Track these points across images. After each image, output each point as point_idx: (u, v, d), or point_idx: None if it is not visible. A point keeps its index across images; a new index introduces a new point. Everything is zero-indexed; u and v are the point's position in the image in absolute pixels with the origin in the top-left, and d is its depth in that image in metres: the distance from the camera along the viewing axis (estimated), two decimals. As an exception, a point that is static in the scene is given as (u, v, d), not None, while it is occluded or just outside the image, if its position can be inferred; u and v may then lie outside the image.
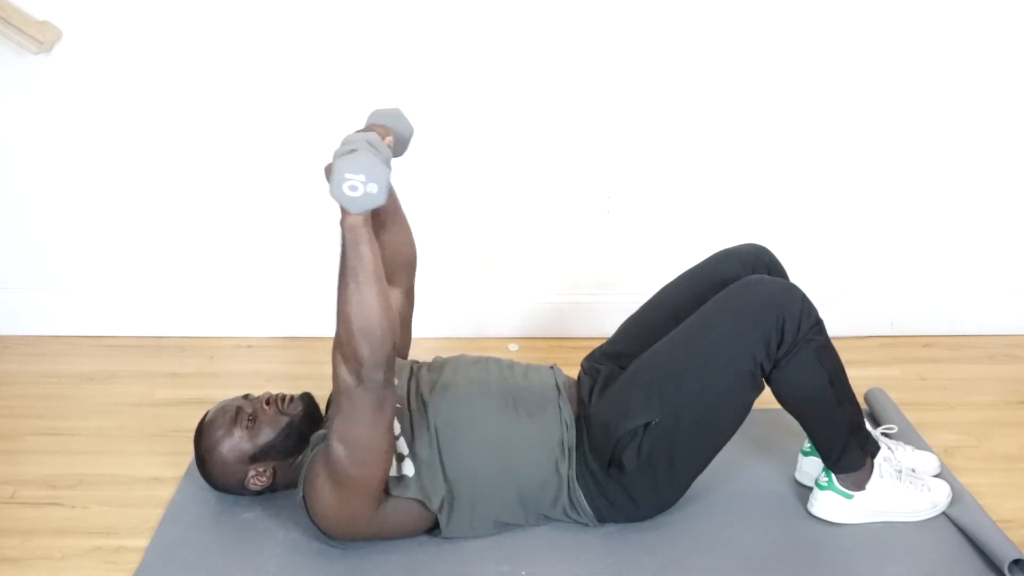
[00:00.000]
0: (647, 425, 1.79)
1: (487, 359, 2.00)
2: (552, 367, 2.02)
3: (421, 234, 2.65)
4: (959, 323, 2.77)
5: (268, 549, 1.86)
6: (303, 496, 1.79)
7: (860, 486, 1.90)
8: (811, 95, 2.55)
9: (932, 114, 2.57)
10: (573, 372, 2.05)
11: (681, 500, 1.92)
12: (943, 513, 1.95)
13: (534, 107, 2.55)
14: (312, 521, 1.80)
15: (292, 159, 2.56)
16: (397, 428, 1.83)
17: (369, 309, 1.59)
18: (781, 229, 2.62)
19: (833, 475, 1.91)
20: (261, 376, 2.49)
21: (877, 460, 1.91)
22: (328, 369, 1.68)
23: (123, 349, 2.69)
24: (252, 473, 1.88)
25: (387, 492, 1.78)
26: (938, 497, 1.95)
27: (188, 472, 2.07)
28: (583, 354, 2.06)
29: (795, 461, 2.07)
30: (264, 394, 1.94)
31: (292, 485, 1.87)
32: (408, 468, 1.80)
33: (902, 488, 1.92)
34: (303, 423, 1.90)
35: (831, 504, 1.92)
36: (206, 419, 1.92)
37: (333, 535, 1.81)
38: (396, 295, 2.04)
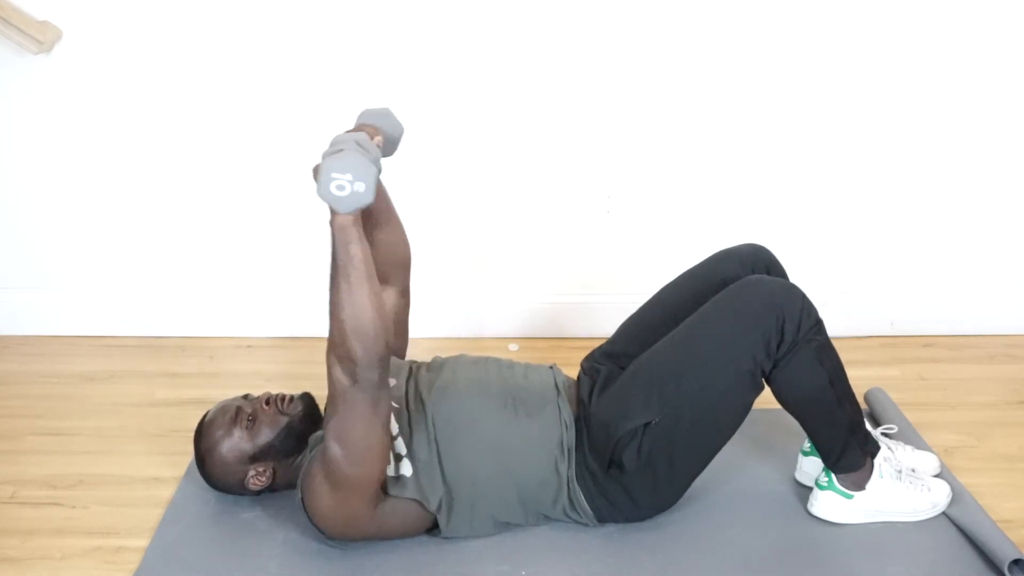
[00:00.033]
0: (647, 425, 1.79)
1: (486, 359, 2.00)
2: (552, 367, 2.02)
3: (421, 234, 2.65)
4: (959, 323, 2.77)
5: (268, 549, 1.86)
6: (301, 497, 1.79)
7: (860, 486, 1.90)
8: (811, 95, 2.55)
9: (932, 114, 2.57)
10: (573, 372, 2.05)
11: (681, 500, 1.92)
12: (943, 513, 1.95)
13: (534, 107, 2.55)
14: (311, 522, 1.80)
15: (292, 159, 2.55)
16: (395, 428, 1.83)
17: (361, 309, 1.59)
18: (781, 229, 2.62)
19: (833, 475, 1.91)
20: (261, 376, 2.49)
21: (877, 460, 1.91)
22: (327, 369, 1.68)
23: (123, 349, 2.69)
24: (252, 473, 1.88)
25: (385, 492, 1.78)
26: (938, 497, 1.95)
27: (188, 472, 2.07)
28: (583, 354, 2.06)
29: (795, 461, 2.07)
30: (264, 394, 1.94)
31: (292, 485, 1.87)
32: (406, 468, 1.80)
33: (902, 488, 1.92)
34: (303, 423, 1.90)
35: (831, 504, 1.92)
36: (206, 419, 1.92)
37: (332, 535, 1.82)
38: (392, 295, 2.05)
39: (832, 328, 1.86)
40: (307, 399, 1.93)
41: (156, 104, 2.53)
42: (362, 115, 1.84)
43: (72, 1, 2.42)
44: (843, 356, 1.86)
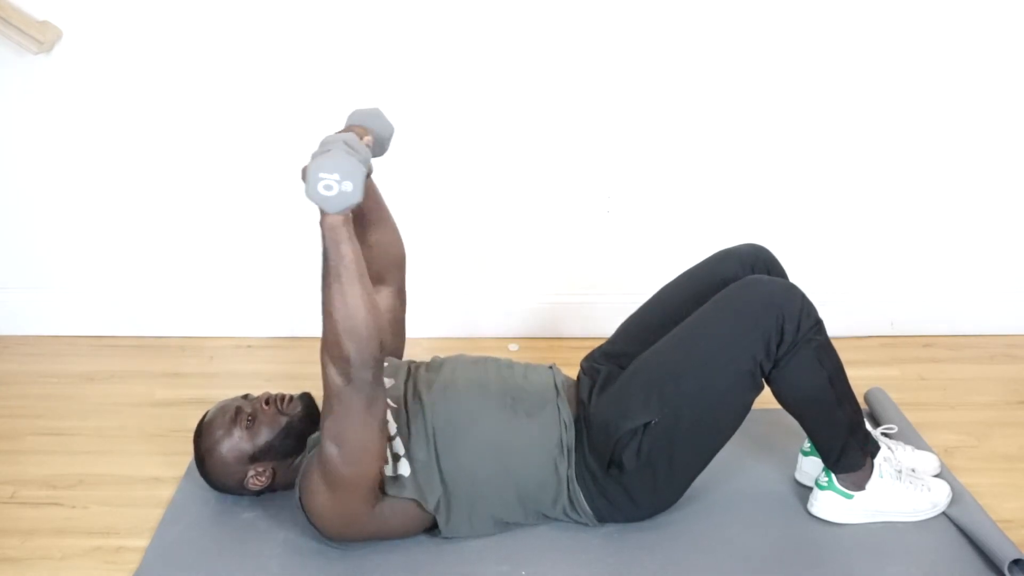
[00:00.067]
0: (647, 425, 1.79)
1: (486, 359, 2.00)
2: (551, 367, 2.02)
3: (422, 234, 2.66)
4: (959, 323, 2.77)
5: (268, 549, 1.86)
6: (299, 497, 1.79)
7: (860, 486, 1.90)
8: (811, 96, 2.54)
9: (932, 114, 2.57)
10: (573, 372, 2.05)
11: (681, 500, 1.92)
12: (943, 513, 1.95)
13: (534, 107, 2.55)
14: (309, 522, 1.80)
15: (291, 159, 2.54)
16: (393, 428, 1.83)
17: (354, 309, 1.59)
18: (781, 229, 2.62)
19: (833, 475, 1.91)
20: (261, 376, 2.49)
21: (877, 460, 1.91)
22: (326, 369, 1.67)
23: (123, 349, 2.69)
24: (251, 473, 1.88)
25: (383, 492, 1.78)
26: (938, 497, 1.95)
27: (188, 472, 2.07)
28: (583, 354, 2.06)
29: (795, 461, 2.07)
30: (263, 394, 1.94)
31: (291, 485, 1.87)
32: (404, 468, 1.80)
33: (902, 488, 1.92)
34: (302, 423, 1.89)
35: (831, 504, 1.92)
36: (206, 419, 1.92)
37: (330, 535, 1.82)
38: (388, 294, 2.05)
39: (832, 328, 1.86)
40: (307, 399, 1.93)
41: (156, 104, 2.53)
42: (352, 116, 1.85)
43: (72, 1, 2.42)
44: (843, 356, 1.86)
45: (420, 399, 1.87)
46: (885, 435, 2.10)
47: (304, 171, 1.58)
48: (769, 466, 2.11)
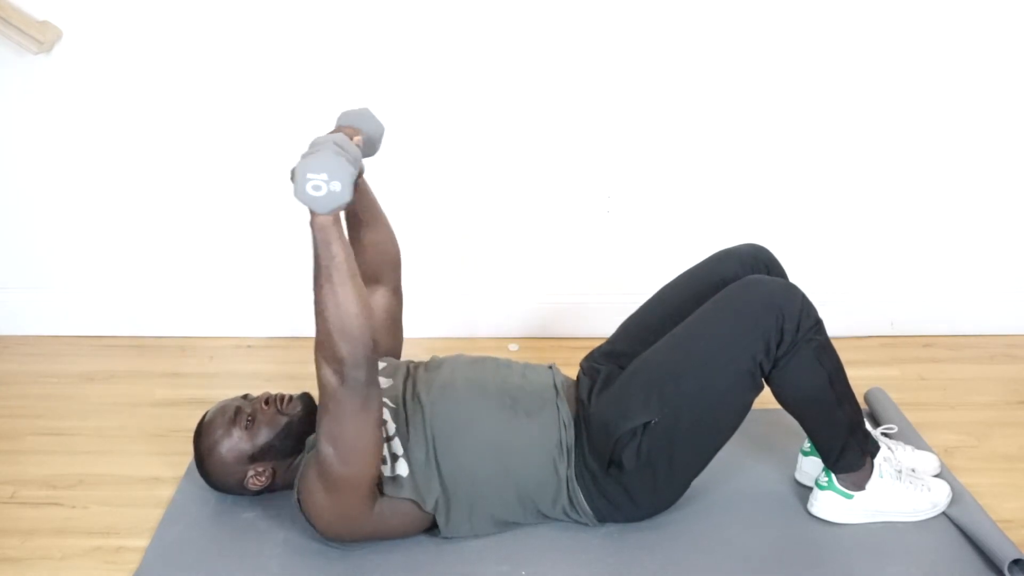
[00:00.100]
0: (646, 425, 1.79)
1: (485, 359, 2.00)
2: (551, 367, 2.02)
3: (422, 234, 2.66)
4: (959, 323, 2.77)
5: (268, 549, 1.86)
6: (298, 498, 1.79)
7: (860, 486, 1.90)
8: (811, 96, 2.55)
9: (932, 114, 2.57)
10: (572, 372, 2.05)
11: (681, 500, 1.92)
12: (943, 513, 1.95)
13: (534, 107, 2.55)
14: (309, 523, 1.80)
15: (291, 160, 2.55)
16: (392, 428, 1.83)
17: (345, 308, 1.59)
18: (781, 229, 2.62)
19: (833, 475, 1.90)
20: (261, 376, 2.49)
21: (877, 460, 1.91)
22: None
23: (123, 349, 2.69)
24: (251, 473, 1.88)
25: (381, 492, 1.78)
26: (938, 497, 1.95)
27: (188, 472, 2.07)
28: (583, 354, 2.06)
29: (795, 461, 2.07)
30: (263, 394, 1.93)
31: (291, 485, 1.87)
32: (402, 468, 1.80)
33: (902, 488, 1.92)
34: (302, 423, 1.89)
35: (831, 504, 1.92)
36: (205, 419, 1.92)
37: (329, 536, 1.82)
38: (384, 294, 2.05)
39: (832, 328, 1.86)
40: (306, 399, 1.93)
41: (156, 104, 2.53)
42: (341, 117, 1.85)
43: (72, 1, 2.42)
44: (843, 356, 1.86)
45: (419, 399, 1.87)
46: (885, 435, 2.10)
47: (293, 172, 1.58)
48: (769, 466, 2.11)
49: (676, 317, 1.90)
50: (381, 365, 2.00)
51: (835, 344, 1.84)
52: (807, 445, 2.03)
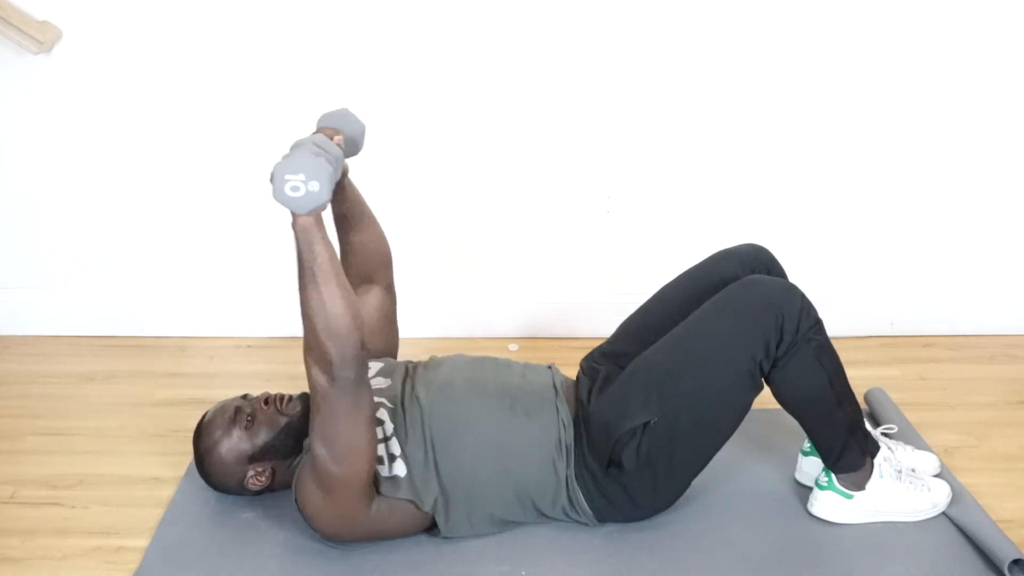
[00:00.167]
0: (646, 425, 1.79)
1: (484, 358, 2.00)
2: (550, 367, 2.02)
3: (422, 234, 2.66)
4: (959, 323, 2.77)
5: (268, 549, 1.86)
6: (296, 499, 1.80)
7: (860, 486, 1.90)
8: (811, 96, 2.55)
9: (932, 114, 2.57)
10: (572, 372, 2.05)
11: (680, 500, 1.92)
12: (943, 513, 1.95)
13: (534, 107, 2.55)
14: (308, 523, 1.81)
15: (292, 159, 2.55)
16: (390, 428, 1.83)
17: (331, 308, 1.60)
18: (781, 229, 2.62)
19: (833, 475, 1.90)
20: (261, 376, 2.49)
21: (877, 460, 1.91)
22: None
23: (123, 349, 2.69)
24: (251, 473, 1.88)
25: (380, 492, 1.78)
26: (938, 497, 1.95)
27: (188, 472, 2.07)
28: (582, 354, 2.06)
29: (795, 461, 2.07)
30: (263, 394, 1.93)
31: (290, 486, 1.87)
32: (400, 468, 1.80)
33: (902, 488, 1.92)
34: (302, 423, 1.89)
35: (831, 504, 1.92)
36: (205, 419, 1.92)
37: (328, 536, 1.82)
38: (377, 293, 2.06)
39: (832, 328, 1.86)
40: (306, 399, 1.92)
41: (156, 104, 2.53)
42: (321, 118, 1.86)
43: (72, 1, 2.42)
44: (843, 356, 1.86)
45: (417, 399, 1.87)
46: (885, 435, 2.10)
47: (272, 175, 1.59)
48: (769, 466, 2.11)
49: (676, 317, 1.90)
50: (379, 365, 2.00)
51: (835, 344, 1.84)
52: (807, 445, 2.03)
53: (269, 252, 2.68)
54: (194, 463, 1.94)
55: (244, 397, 1.94)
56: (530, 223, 2.68)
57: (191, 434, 1.94)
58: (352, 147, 1.85)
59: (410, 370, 1.97)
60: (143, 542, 1.90)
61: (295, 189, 1.55)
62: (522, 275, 2.74)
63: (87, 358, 2.64)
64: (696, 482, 1.90)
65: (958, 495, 1.98)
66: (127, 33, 2.46)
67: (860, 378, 2.13)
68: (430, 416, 1.84)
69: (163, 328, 2.74)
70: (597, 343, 2.07)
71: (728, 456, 1.94)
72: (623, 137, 2.58)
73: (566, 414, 1.88)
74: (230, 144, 2.57)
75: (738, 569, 1.83)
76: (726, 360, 1.78)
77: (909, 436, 2.18)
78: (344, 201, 1.96)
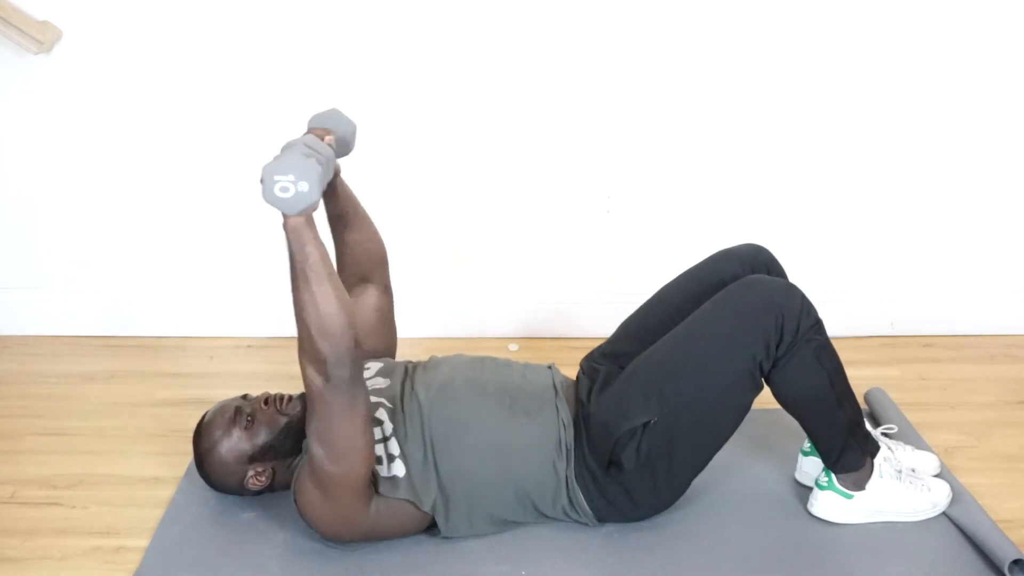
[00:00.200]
0: (646, 424, 1.79)
1: (483, 358, 2.00)
2: (550, 367, 2.02)
3: (422, 234, 2.66)
4: (959, 323, 2.77)
5: (268, 549, 1.86)
6: (295, 500, 1.80)
7: (860, 486, 1.90)
8: (810, 96, 2.55)
9: (932, 114, 2.57)
10: (572, 372, 2.05)
11: (680, 500, 1.92)
12: (943, 513, 1.95)
13: (534, 107, 2.55)
14: (307, 524, 1.81)
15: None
16: (389, 428, 1.83)
17: (324, 308, 1.60)
18: (781, 229, 2.62)
19: (833, 475, 1.90)
20: (261, 376, 2.49)
21: (877, 460, 1.91)
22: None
23: (123, 349, 2.69)
24: (251, 473, 1.88)
25: (379, 492, 1.78)
26: (938, 497, 1.95)
27: (188, 472, 2.07)
28: (582, 354, 2.06)
29: (795, 461, 2.07)
30: (263, 394, 1.93)
31: (290, 486, 1.87)
32: (399, 468, 1.80)
33: (902, 488, 1.92)
34: (302, 423, 1.89)
35: (831, 504, 1.92)
36: (205, 419, 1.92)
37: (327, 536, 1.82)
38: (374, 292, 2.06)
39: (832, 328, 1.86)
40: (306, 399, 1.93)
41: (156, 104, 2.53)
42: (312, 120, 1.86)
43: (72, 1, 2.42)
44: (843, 356, 1.86)
45: (417, 399, 1.87)
46: (885, 435, 2.10)
47: (261, 176, 1.59)
48: (769, 466, 2.11)
49: (676, 317, 1.90)
50: (378, 365, 2.00)
51: (835, 344, 1.84)
52: (807, 445, 2.03)
53: (269, 252, 2.68)
54: (194, 463, 1.94)
55: (244, 397, 1.94)
56: (530, 223, 2.68)
57: (191, 434, 1.94)
58: (343, 147, 1.86)
59: (409, 370, 1.97)
60: (143, 542, 1.90)
61: (284, 190, 1.55)
62: (522, 275, 2.74)
63: (87, 358, 2.64)
64: (696, 482, 1.90)
65: (958, 495, 1.98)
66: (127, 33, 2.46)
67: (860, 378, 2.13)
68: (430, 416, 1.84)
69: (163, 328, 2.74)
70: (597, 343, 2.07)
71: (728, 456, 1.94)
72: (623, 137, 2.58)
73: (566, 414, 1.88)
74: (230, 144, 2.57)
75: (738, 569, 1.83)
76: (726, 360, 1.78)
77: (909, 436, 2.18)
78: (337, 201, 1.96)
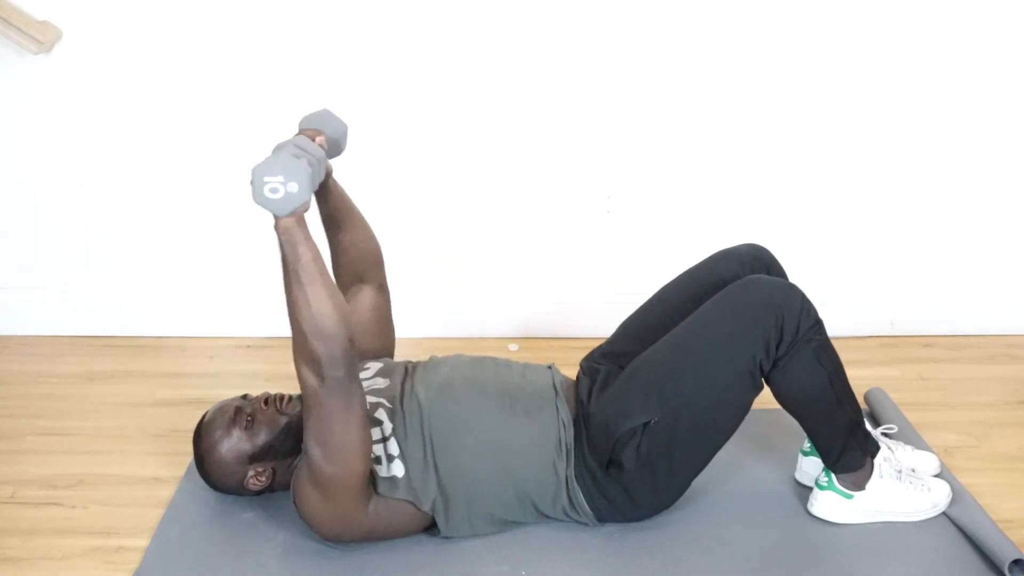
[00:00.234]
0: (646, 424, 1.79)
1: (483, 358, 2.00)
2: (550, 367, 2.02)
3: (422, 234, 2.66)
4: (959, 323, 2.77)
5: (268, 549, 1.86)
6: (294, 500, 1.80)
7: (860, 486, 1.90)
8: (810, 96, 2.55)
9: (932, 114, 2.57)
10: (572, 372, 2.05)
11: (680, 500, 1.92)
12: (943, 513, 1.95)
13: (534, 107, 2.55)
14: (307, 524, 1.81)
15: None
16: (388, 428, 1.83)
17: (317, 308, 1.60)
18: (781, 229, 2.62)
19: (833, 475, 1.90)
20: (261, 376, 2.49)
21: (877, 460, 1.91)
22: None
23: (123, 349, 2.69)
24: (251, 473, 1.88)
25: (378, 492, 1.78)
26: (938, 497, 1.95)
27: (188, 472, 2.07)
28: (582, 354, 2.06)
29: (795, 461, 2.07)
30: (263, 394, 1.93)
31: (290, 486, 1.87)
32: (398, 468, 1.80)
33: (902, 488, 1.92)
34: (302, 423, 1.89)
35: (831, 504, 1.92)
36: (205, 419, 1.91)
37: (327, 536, 1.82)
38: (370, 292, 2.06)
39: (832, 328, 1.86)
40: (306, 399, 1.93)
41: (156, 104, 2.53)
42: (302, 121, 1.87)
43: (72, 1, 2.42)
44: (843, 356, 1.86)
45: (417, 399, 1.87)
46: (885, 435, 2.10)
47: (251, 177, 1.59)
48: (769, 466, 2.11)
49: (676, 317, 1.90)
50: (378, 365, 2.00)
51: (835, 344, 1.84)
52: (807, 445, 2.03)
53: (269, 252, 2.67)
54: (194, 463, 1.94)
55: (244, 397, 1.94)
56: (530, 223, 2.68)
57: (191, 434, 1.94)
58: (335, 147, 1.86)
59: (409, 370, 1.97)
60: (143, 542, 1.90)
61: (274, 191, 1.56)
62: (522, 275, 2.74)
63: (87, 358, 2.64)
64: (696, 482, 1.90)
65: (958, 495, 1.98)
66: (127, 33, 2.46)
67: (860, 378, 2.13)
68: (430, 416, 1.84)
69: (163, 328, 2.74)
70: (597, 343, 2.07)
71: (728, 456, 1.94)
72: (623, 137, 2.58)
73: (566, 414, 1.88)
74: (229, 144, 2.57)
75: (738, 569, 1.83)
76: (726, 360, 1.78)
77: (909, 436, 2.18)
78: (330, 201, 1.96)
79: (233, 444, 1.86)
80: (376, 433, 1.82)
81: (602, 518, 1.89)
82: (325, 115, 1.86)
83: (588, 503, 1.86)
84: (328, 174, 1.92)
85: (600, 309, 2.63)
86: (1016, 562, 1.78)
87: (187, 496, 2.01)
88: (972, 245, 2.72)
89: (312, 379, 1.64)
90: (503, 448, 1.83)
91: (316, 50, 2.48)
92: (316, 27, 2.46)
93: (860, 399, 2.23)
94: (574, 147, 2.59)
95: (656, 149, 2.60)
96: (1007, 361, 2.66)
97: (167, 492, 2.04)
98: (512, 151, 2.60)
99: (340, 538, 1.82)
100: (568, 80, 2.52)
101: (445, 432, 1.82)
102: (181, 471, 2.10)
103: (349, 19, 2.45)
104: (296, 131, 1.85)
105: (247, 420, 1.87)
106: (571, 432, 1.86)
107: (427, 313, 2.71)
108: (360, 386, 1.70)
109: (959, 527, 1.91)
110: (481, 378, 1.91)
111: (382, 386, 1.92)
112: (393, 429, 1.83)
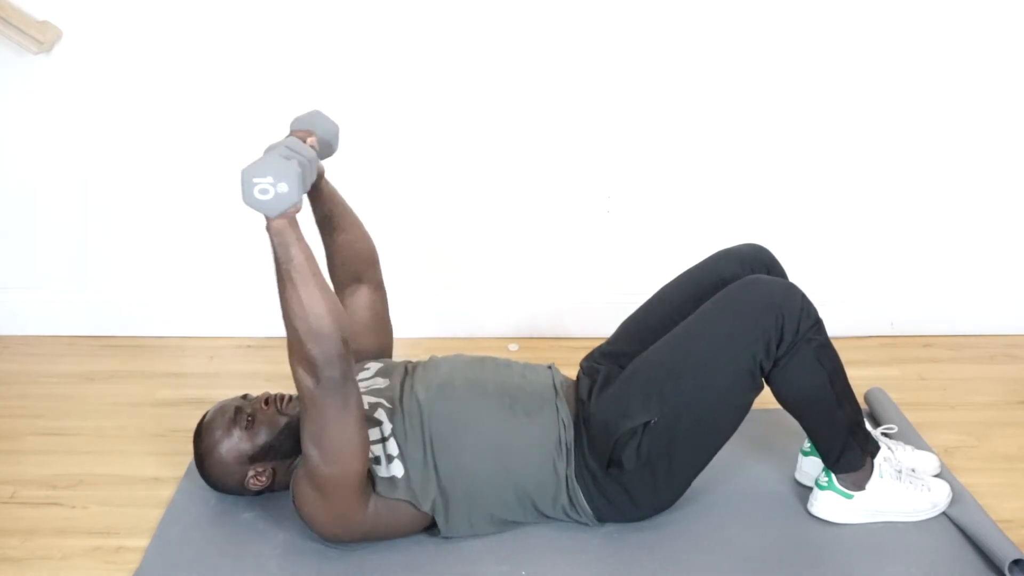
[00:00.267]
0: (646, 424, 1.79)
1: (483, 358, 2.00)
2: (550, 367, 2.02)
3: (422, 234, 2.66)
4: (959, 323, 2.77)
5: (268, 549, 1.86)
6: (293, 501, 1.80)
7: (860, 486, 1.90)
8: (810, 96, 2.55)
9: (932, 114, 2.57)
10: (572, 372, 2.05)
11: (680, 500, 1.92)
12: (943, 513, 1.95)
13: (534, 107, 2.55)
14: (306, 524, 1.81)
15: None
16: (388, 428, 1.83)
17: (310, 309, 1.60)
18: (781, 229, 2.62)
19: (833, 475, 1.90)
20: (261, 376, 2.49)
21: (877, 460, 1.91)
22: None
23: (123, 349, 2.69)
24: (251, 473, 1.88)
25: (377, 492, 1.78)
26: (938, 497, 1.95)
27: (188, 472, 2.06)
28: (583, 354, 2.06)
29: (795, 461, 2.07)
30: (263, 394, 1.93)
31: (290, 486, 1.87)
32: (397, 469, 1.80)
33: (902, 488, 1.92)
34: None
35: (831, 504, 1.92)
36: (205, 419, 1.91)
37: (326, 537, 1.82)
38: (366, 292, 2.06)
39: (832, 328, 1.86)
40: (306, 400, 1.93)
41: (156, 104, 2.53)
42: (293, 122, 1.87)
43: (72, 1, 2.42)
44: (843, 356, 1.86)
45: (417, 399, 1.87)
46: (885, 435, 2.10)
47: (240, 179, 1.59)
48: (769, 466, 2.11)
49: (676, 317, 1.90)
50: (378, 365, 2.00)
51: (835, 344, 1.84)
52: (807, 445, 2.03)
53: (268, 252, 2.68)
54: (194, 463, 1.94)
55: (244, 397, 1.94)
56: (530, 223, 2.68)
57: (191, 434, 1.94)
58: (326, 148, 1.86)
59: (409, 370, 1.97)
60: (143, 542, 1.90)
61: (264, 192, 1.55)
62: (522, 275, 2.74)
63: (87, 358, 2.64)
64: (696, 482, 1.90)
65: (958, 495, 1.98)
66: (127, 33, 2.46)
67: (860, 378, 2.13)
68: (429, 416, 1.84)
69: (163, 328, 2.74)
70: (597, 343, 2.07)
71: (728, 456, 1.94)
72: (623, 137, 2.58)
73: (566, 414, 1.88)
74: (229, 144, 2.56)
75: (738, 569, 1.83)
76: (726, 360, 1.78)
77: (909, 436, 2.18)
78: (323, 202, 1.96)
79: (233, 444, 1.87)
80: (375, 433, 1.82)
81: (602, 518, 1.89)
82: (316, 116, 1.87)
83: (588, 503, 1.86)
84: (320, 175, 1.92)
85: (600, 309, 2.62)
86: (1016, 562, 1.78)
87: (187, 496, 2.01)
88: (972, 245, 2.72)
89: (308, 380, 1.64)
90: (503, 448, 1.83)
91: (315, 50, 2.48)
92: (314, 27, 2.46)
93: (860, 399, 2.23)
94: (574, 147, 2.59)
95: (656, 149, 2.60)
96: (1007, 361, 2.66)
97: (167, 492, 2.04)
98: (513, 151, 2.60)
99: (339, 538, 1.82)
100: (568, 80, 2.52)
101: (445, 432, 1.82)
102: (181, 471, 2.09)
103: (348, 19, 2.45)
104: (287, 133, 1.85)
105: (247, 420, 1.87)
106: (571, 432, 1.86)
107: (427, 313, 2.71)
108: (356, 386, 1.70)
109: (959, 527, 1.91)
110: (481, 378, 1.91)
111: (382, 386, 1.91)
112: (393, 429, 1.83)
